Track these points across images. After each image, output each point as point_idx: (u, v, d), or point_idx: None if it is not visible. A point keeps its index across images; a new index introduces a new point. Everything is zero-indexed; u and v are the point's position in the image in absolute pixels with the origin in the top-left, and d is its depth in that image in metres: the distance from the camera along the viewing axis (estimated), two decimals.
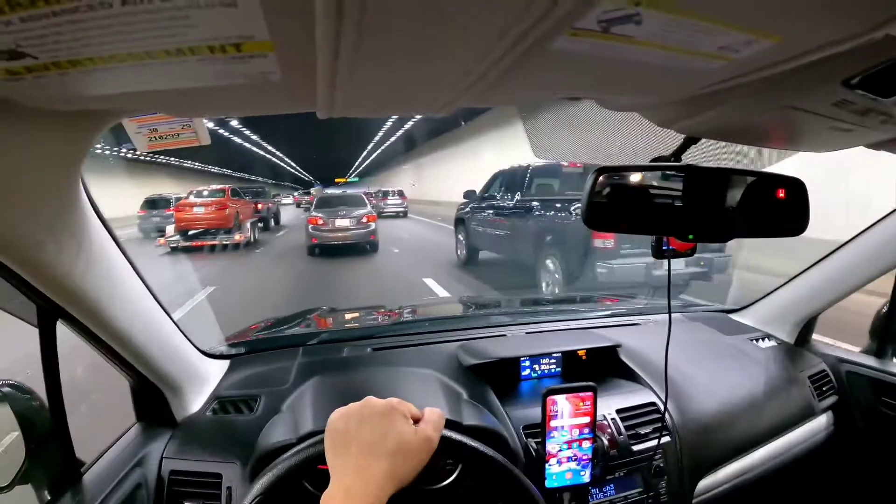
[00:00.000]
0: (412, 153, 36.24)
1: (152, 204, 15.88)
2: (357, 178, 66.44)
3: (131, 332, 0.91)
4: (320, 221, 10.53)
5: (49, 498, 0.86)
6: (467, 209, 8.68)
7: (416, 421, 0.68)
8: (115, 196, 18.00)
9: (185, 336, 1.15)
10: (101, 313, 0.82)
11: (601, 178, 0.72)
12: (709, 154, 0.83)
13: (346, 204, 11.31)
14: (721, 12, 0.37)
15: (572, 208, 5.74)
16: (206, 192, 13.10)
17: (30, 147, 0.56)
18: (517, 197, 7.15)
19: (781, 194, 0.76)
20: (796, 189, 0.76)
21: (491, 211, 7.82)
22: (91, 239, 0.76)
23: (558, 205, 6.21)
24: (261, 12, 0.34)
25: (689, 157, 0.76)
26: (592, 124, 0.86)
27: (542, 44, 0.41)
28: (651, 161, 0.76)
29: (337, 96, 0.54)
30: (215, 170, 47.58)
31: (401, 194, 25.39)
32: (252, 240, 12.60)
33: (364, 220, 10.66)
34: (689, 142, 0.76)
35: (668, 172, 0.75)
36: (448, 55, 0.45)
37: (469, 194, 8.73)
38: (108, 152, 19.00)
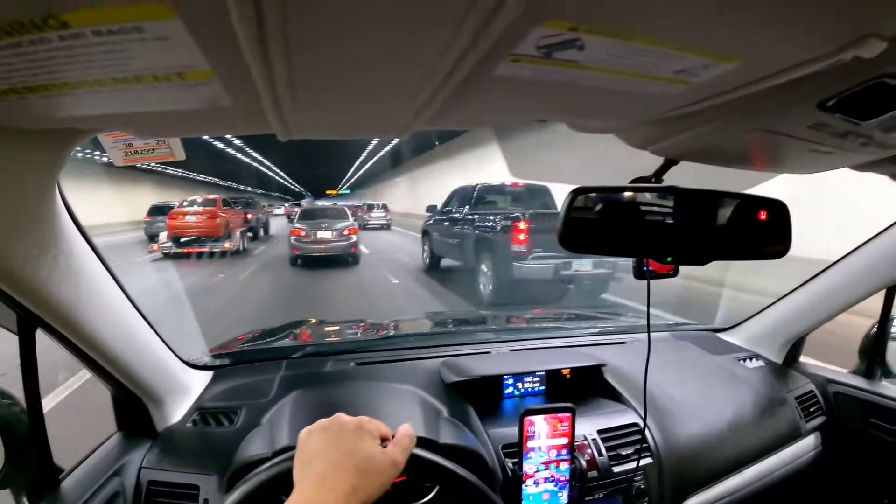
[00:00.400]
0: (406, 165, 35.84)
1: (158, 210, 16.72)
2: (349, 191, 65.60)
3: (110, 341, 0.90)
4: (303, 233, 10.61)
5: (27, 503, 0.86)
6: (431, 221, 9.83)
7: (387, 440, 0.69)
8: (95, 204, 18.54)
9: (168, 346, 1.14)
10: (79, 323, 0.82)
11: (578, 198, 0.71)
12: (690, 175, 0.83)
13: (329, 216, 11.40)
14: (668, 37, 0.36)
15: (501, 220, 6.91)
16: (198, 202, 13.62)
17: (3, 162, 0.57)
18: (465, 210, 8.29)
19: (763, 216, 0.75)
20: (778, 211, 0.75)
21: (447, 223, 8.96)
22: (69, 249, 0.76)
23: (493, 217, 7.27)
24: (193, 44, 0.34)
25: (670, 178, 0.76)
26: (567, 145, 0.86)
27: (483, 70, 0.40)
28: (630, 182, 0.75)
29: (287, 119, 0.54)
30: (204, 178, 47.60)
31: (384, 207, 26.44)
32: (241, 248, 12.97)
33: (346, 232, 10.75)
34: (669, 163, 0.75)
35: (647, 194, 0.74)
36: (385, 81, 0.45)
37: (431, 208, 10.05)
38: (89, 159, 19.12)
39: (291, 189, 77.04)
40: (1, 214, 0.61)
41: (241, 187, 57.40)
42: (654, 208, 0.73)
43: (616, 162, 0.84)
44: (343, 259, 10.43)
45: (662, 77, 0.44)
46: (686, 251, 0.74)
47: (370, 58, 0.40)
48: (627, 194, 0.73)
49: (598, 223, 0.72)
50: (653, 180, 0.75)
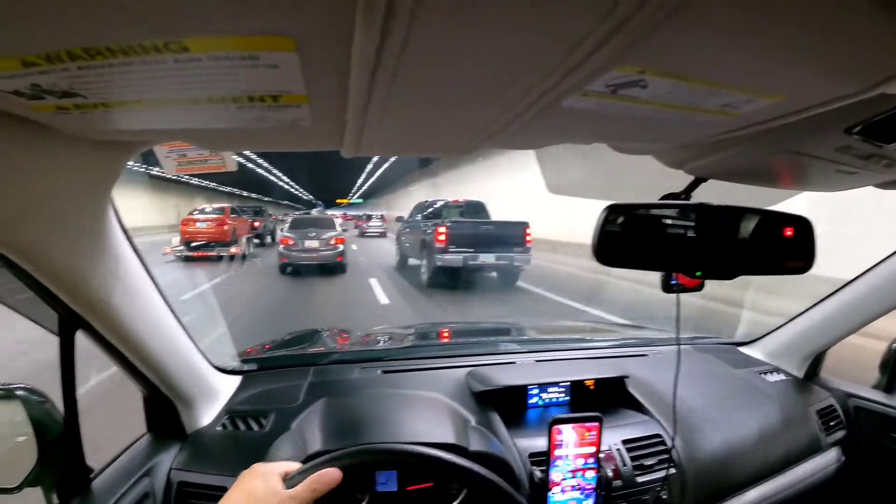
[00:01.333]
0: (423, 172, 34.77)
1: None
2: (360, 200, 64.22)
3: (149, 344, 0.93)
4: (291, 242, 10.75)
5: (57, 502, 0.88)
6: (401, 229, 12.11)
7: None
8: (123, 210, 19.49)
9: (200, 350, 1.16)
10: (122, 325, 0.85)
11: (611, 214, 0.73)
12: (718, 191, 0.85)
13: (317, 226, 11.57)
14: (721, 78, 0.40)
15: (432, 226, 9.07)
16: (208, 210, 14.36)
17: (66, 169, 0.59)
18: (418, 219, 10.89)
19: (789, 233, 0.77)
20: (803, 228, 0.78)
21: (408, 230, 11.29)
22: (116, 254, 0.79)
23: (430, 224, 9.37)
24: (300, 73, 0.37)
25: (698, 195, 0.78)
26: (604, 165, 0.88)
27: (556, 102, 0.44)
28: (661, 199, 0.78)
29: (364, 139, 0.57)
30: (220, 188, 47.73)
31: (381, 218, 29.51)
32: (247, 253, 13.83)
33: (332, 242, 10.88)
34: (699, 180, 0.78)
35: (677, 210, 0.77)
36: (468, 111, 0.49)
37: (400, 219, 12.65)
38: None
39: (302, 198, 77.05)
40: (59, 218, 0.63)
41: (256, 196, 57.66)
42: (684, 224, 0.75)
43: (651, 179, 0.87)
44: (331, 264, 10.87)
45: (709, 110, 0.47)
46: (714, 266, 0.77)
47: (463, 93, 0.43)
48: (658, 210, 0.76)
49: (630, 238, 0.75)
50: (682, 197, 0.78)
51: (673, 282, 0.88)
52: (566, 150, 0.76)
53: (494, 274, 9.54)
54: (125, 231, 0.82)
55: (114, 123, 0.50)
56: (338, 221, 12.63)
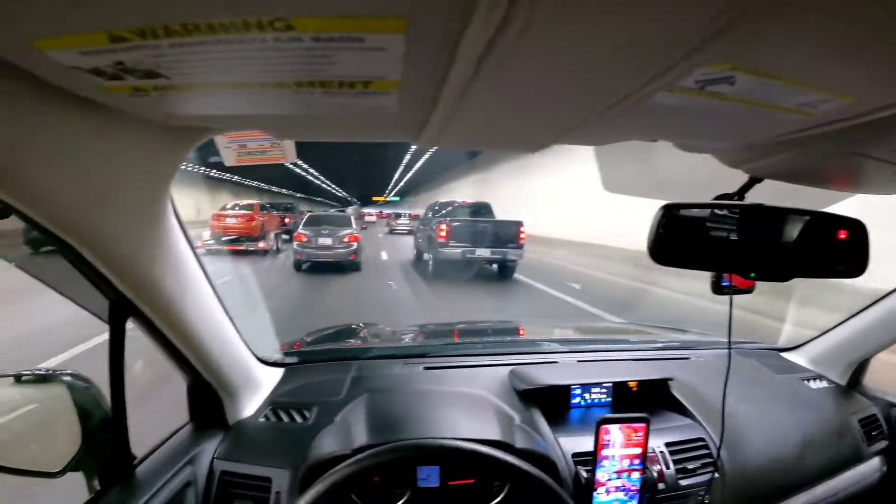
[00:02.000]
0: (469, 168, 32.71)
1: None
2: (397, 198, 61.65)
3: (197, 333, 0.94)
4: (305, 239, 10.68)
5: (99, 487, 0.88)
6: (418, 225, 13.25)
7: None
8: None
9: (245, 342, 1.18)
10: (173, 314, 0.86)
11: (667, 214, 0.74)
12: (770, 192, 0.84)
13: (332, 223, 11.46)
14: (804, 75, 0.41)
15: (436, 224, 10.12)
16: (237, 206, 14.80)
17: (130, 154, 0.60)
18: (429, 218, 11.80)
19: (842, 235, 0.76)
20: (857, 231, 0.76)
21: (422, 227, 12.26)
22: (171, 243, 0.80)
23: (435, 223, 10.39)
24: (402, 57, 0.37)
25: (752, 195, 0.78)
26: (660, 163, 0.88)
27: (646, 97, 0.44)
28: (714, 199, 0.77)
29: (446, 131, 0.57)
30: (253, 184, 48.13)
31: (408, 216, 30.20)
32: (276, 248, 14.12)
33: (346, 239, 10.75)
34: (754, 181, 0.77)
35: (732, 210, 0.76)
36: (561, 105, 0.49)
37: (415, 217, 13.65)
38: None
39: (337, 196, 76.95)
40: (122, 205, 0.64)
41: (288, 193, 57.91)
42: (738, 225, 0.75)
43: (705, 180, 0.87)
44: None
45: (787, 108, 0.48)
46: (768, 267, 0.76)
47: (563, 86, 0.43)
48: (713, 211, 0.76)
49: (685, 238, 0.75)
50: (736, 197, 0.78)
51: (725, 283, 0.87)
52: (626, 148, 0.76)
53: (495, 267, 10.43)
54: (179, 220, 0.82)
55: (188, 107, 0.50)
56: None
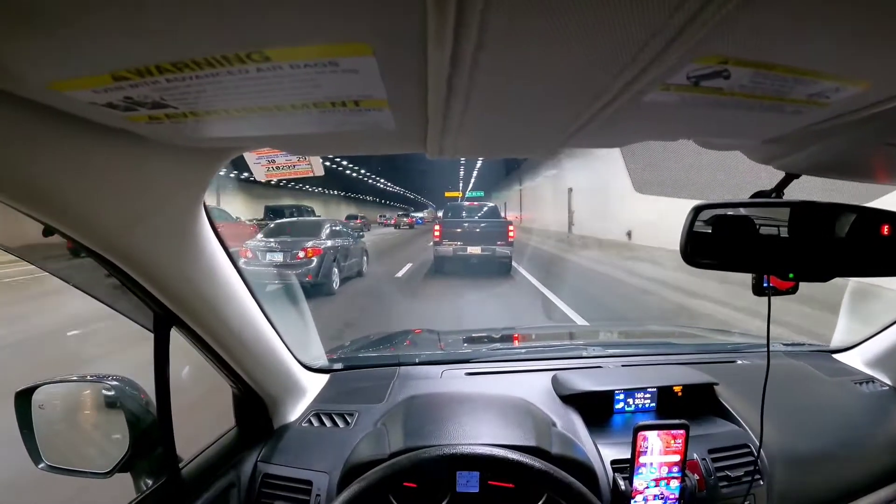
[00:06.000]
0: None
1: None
2: (479, 193, 47.78)
3: (241, 342, 0.98)
4: (250, 255, 8.10)
5: (146, 487, 0.92)
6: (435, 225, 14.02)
7: None
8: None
9: (289, 349, 1.21)
10: (215, 322, 0.90)
11: (699, 214, 0.72)
12: (807, 190, 0.80)
13: (296, 233, 8.70)
14: (804, 63, 0.39)
15: (436, 223, 11.33)
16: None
17: (163, 176, 0.64)
18: (441, 217, 12.74)
19: (886, 231, 0.72)
20: None
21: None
22: (209, 254, 0.83)
23: (438, 222, 11.38)
24: (379, 78, 0.39)
25: (789, 193, 0.74)
26: (689, 162, 0.86)
27: (637, 97, 0.44)
28: (750, 197, 0.75)
29: (446, 142, 0.59)
30: (327, 192, 49.84)
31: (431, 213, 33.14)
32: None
33: (300, 255, 8.01)
34: (790, 178, 0.74)
35: (768, 209, 0.73)
36: (550, 113, 0.50)
37: (437, 217, 14.83)
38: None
39: (405, 197, 76.77)
40: (159, 223, 0.67)
41: (345, 194, 58.97)
42: (776, 223, 0.72)
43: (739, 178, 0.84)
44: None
45: (798, 99, 0.46)
46: (808, 267, 0.73)
47: (541, 95, 0.45)
48: (748, 210, 0.73)
49: (719, 239, 0.73)
50: (773, 195, 0.74)
51: (766, 284, 0.84)
52: (652, 148, 0.75)
53: (501, 259, 10.80)
54: (216, 231, 0.85)
55: (203, 131, 0.53)
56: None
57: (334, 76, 0.39)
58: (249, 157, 0.89)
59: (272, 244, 8.23)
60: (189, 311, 0.84)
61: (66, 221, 0.57)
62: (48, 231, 0.58)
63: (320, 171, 0.93)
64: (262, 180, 0.92)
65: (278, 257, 8.00)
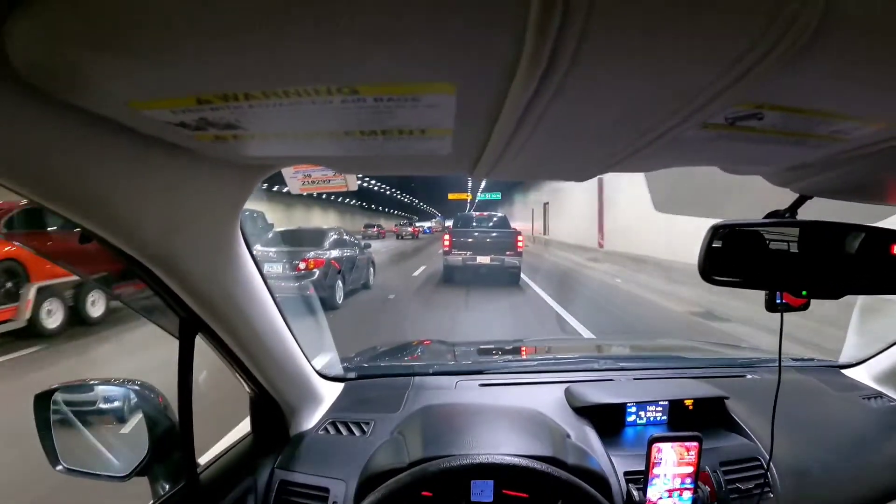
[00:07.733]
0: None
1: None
2: (497, 195, 41.30)
3: (263, 349, 0.99)
4: None
5: (163, 492, 0.93)
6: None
7: None
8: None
9: (307, 357, 1.22)
10: (240, 329, 0.91)
11: (717, 233, 0.74)
12: (819, 210, 0.83)
13: (295, 243, 7.92)
14: (831, 107, 0.44)
15: (446, 234, 11.19)
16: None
17: (207, 189, 0.66)
18: (450, 228, 12.59)
19: (895, 250, 0.75)
20: None
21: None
22: (241, 264, 0.85)
23: (448, 233, 11.30)
24: (453, 112, 0.42)
25: (803, 213, 0.77)
26: (709, 184, 0.89)
27: (679, 135, 0.48)
28: (765, 217, 0.77)
29: (497, 167, 0.62)
30: (351, 202, 49.52)
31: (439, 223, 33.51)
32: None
33: (302, 266, 7.34)
34: (804, 198, 0.77)
35: (782, 228, 0.76)
36: (600, 148, 0.55)
37: (447, 227, 15.13)
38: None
39: (417, 208, 76.43)
40: (198, 233, 0.69)
41: (356, 204, 59.07)
42: (790, 242, 0.74)
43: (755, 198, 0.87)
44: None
45: (821, 135, 0.50)
46: (821, 285, 0.76)
47: (596, 134, 0.49)
48: (763, 228, 0.76)
49: (735, 257, 0.76)
50: (787, 214, 0.77)
51: (779, 300, 0.86)
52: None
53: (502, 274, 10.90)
54: (247, 242, 0.87)
55: (262, 150, 0.55)
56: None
57: (414, 110, 0.41)
58: (287, 171, 0.91)
59: (270, 254, 7.63)
60: (217, 316, 0.85)
61: (111, 229, 0.58)
62: (84, 238, 0.58)
63: (354, 187, 0.95)
64: (296, 193, 0.94)
65: (276, 268, 7.39)
